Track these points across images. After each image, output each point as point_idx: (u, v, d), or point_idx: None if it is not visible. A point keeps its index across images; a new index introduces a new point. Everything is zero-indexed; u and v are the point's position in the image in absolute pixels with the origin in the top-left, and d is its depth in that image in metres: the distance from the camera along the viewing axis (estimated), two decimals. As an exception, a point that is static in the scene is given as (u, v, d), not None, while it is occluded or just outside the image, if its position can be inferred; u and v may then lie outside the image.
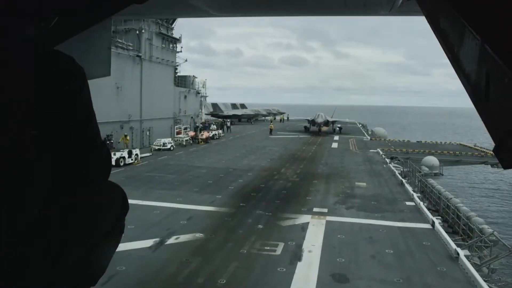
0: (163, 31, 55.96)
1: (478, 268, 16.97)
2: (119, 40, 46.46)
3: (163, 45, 56.19)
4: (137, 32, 50.47)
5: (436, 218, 21.13)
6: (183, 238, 17.27)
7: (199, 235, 17.71)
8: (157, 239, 16.89)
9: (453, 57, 1.76)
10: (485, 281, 14.51)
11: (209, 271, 14.02)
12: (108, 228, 1.86)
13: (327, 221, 20.35)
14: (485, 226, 22.68)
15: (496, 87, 1.33)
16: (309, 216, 21.09)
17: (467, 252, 16.75)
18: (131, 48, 48.32)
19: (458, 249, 16.17)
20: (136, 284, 12.94)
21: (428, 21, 2.19)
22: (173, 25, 59.46)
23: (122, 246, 15.24)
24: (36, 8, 1.77)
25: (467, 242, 20.90)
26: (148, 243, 16.49)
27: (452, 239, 18.47)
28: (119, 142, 41.14)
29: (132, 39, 49.64)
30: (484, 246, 20.34)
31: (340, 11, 3.41)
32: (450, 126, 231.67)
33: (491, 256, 19.42)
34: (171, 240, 16.94)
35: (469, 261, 15.76)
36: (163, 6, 3.13)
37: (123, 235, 2.07)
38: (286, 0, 3.37)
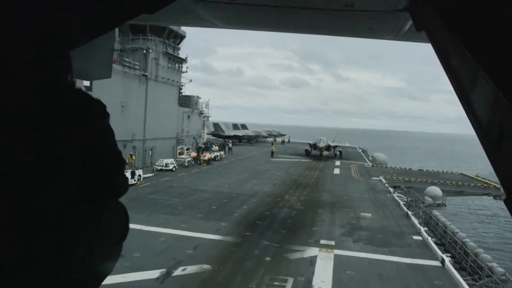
0: (170, 51, 56.14)
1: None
2: (126, 59, 46.53)
3: (169, 65, 56.29)
4: (144, 51, 50.60)
5: (446, 256, 20.81)
6: (190, 269, 16.94)
7: (206, 266, 17.38)
8: (164, 270, 16.55)
9: (464, 98, 1.66)
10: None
11: (218, 307, 13.69)
12: (112, 245, 1.63)
13: (335, 255, 20.04)
14: (494, 264, 22.26)
15: (510, 138, 1.26)
16: (317, 249, 20.78)
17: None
18: (138, 67, 48.37)
19: (472, 292, 15.86)
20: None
21: (437, 54, 2.06)
22: (179, 45, 59.72)
23: (129, 277, 14.94)
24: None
25: (477, 281, 20.52)
26: (154, 274, 16.14)
27: (463, 279, 18.17)
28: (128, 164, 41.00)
29: (139, 58, 49.72)
30: (494, 285, 19.97)
31: (346, 32, 3.50)
32: (449, 152, 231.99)
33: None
34: (178, 272, 16.59)
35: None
36: (171, 15, 3.16)
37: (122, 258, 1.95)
38: (293, 18, 3.25)
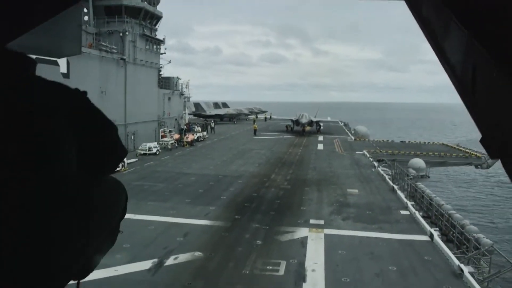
0: (147, 32, 55.01)
1: (481, 284, 16.89)
2: (103, 43, 45.49)
3: (147, 47, 55.26)
4: (121, 34, 49.49)
5: (434, 230, 21.08)
6: (182, 258, 16.82)
7: (198, 254, 17.28)
8: (156, 260, 16.40)
9: (437, 47, 1.69)
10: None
11: (213, 296, 13.65)
12: (114, 223, 1.67)
13: (326, 235, 20.13)
14: (481, 235, 22.64)
15: (483, 80, 1.32)
16: (307, 229, 20.84)
17: (471, 269, 16.61)
18: (115, 51, 47.35)
19: (462, 266, 16.11)
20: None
21: (409, 6, 2.06)
22: (156, 26, 58.55)
23: (121, 269, 14.78)
24: None
25: (465, 253, 20.88)
26: (146, 264, 15.99)
27: (452, 252, 18.43)
28: None
29: (116, 41, 48.63)
30: (481, 257, 20.35)
31: None
32: (428, 121, 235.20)
33: (490, 267, 19.44)
34: (170, 261, 16.47)
35: (475, 278, 15.69)
36: None
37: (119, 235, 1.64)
38: None
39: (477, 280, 16.15)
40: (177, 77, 66.75)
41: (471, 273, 15.90)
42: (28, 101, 1.26)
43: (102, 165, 1.66)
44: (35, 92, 1.33)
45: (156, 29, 58.54)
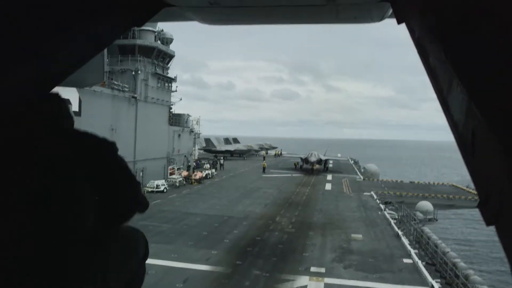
0: (159, 71, 56.34)
1: None
2: (115, 82, 46.63)
3: (159, 85, 56.48)
4: (133, 73, 50.74)
5: (436, 282, 20.90)
6: (180, 306, 16.89)
7: (196, 302, 17.34)
8: (154, 308, 16.48)
9: (442, 100, 1.70)
10: None
11: None
12: (134, 270, 2.01)
13: (326, 284, 20.08)
14: (485, 287, 22.45)
15: (482, 146, 1.31)
16: (307, 277, 20.83)
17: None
18: (127, 89, 48.45)
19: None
20: None
21: (417, 49, 2.08)
22: (168, 65, 59.94)
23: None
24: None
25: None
26: (144, 312, 16.03)
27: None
28: None
29: (128, 80, 49.83)
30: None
31: (331, 21, 3.53)
32: (439, 159, 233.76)
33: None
34: (168, 310, 16.55)
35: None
36: (159, 18, 3.24)
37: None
38: (277, 14, 3.34)
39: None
40: (188, 114, 67.80)
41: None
42: (56, 154, 1.58)
43: (121, 216, 1.88)
44: (65, 145, 1.66)
45: (168, 67, 59.93)
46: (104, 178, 1.76)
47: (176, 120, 63.35)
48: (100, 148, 1.86)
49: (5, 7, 1.90)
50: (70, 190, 1.58)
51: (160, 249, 24.26)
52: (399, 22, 2.65)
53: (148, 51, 53.62)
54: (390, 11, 3.00)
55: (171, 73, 60.90)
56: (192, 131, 69.82)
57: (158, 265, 21.59)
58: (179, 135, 62.77)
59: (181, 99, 64.07)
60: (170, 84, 60.81)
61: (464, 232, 61.24)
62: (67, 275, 1.50)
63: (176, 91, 62.01)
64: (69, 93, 23.12)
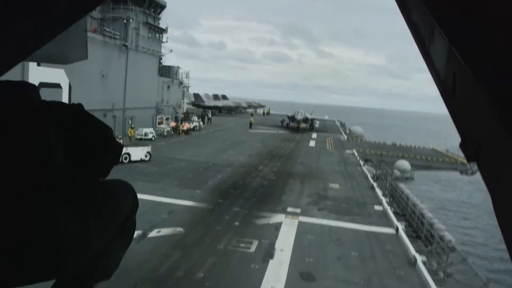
0: (150, 21, 56.40)
1: (435, 272, 18.49)
2: (107, 29, 46.92)
3: (150, 35, 56.72)
4: (125, 21, 50.91)
5: (401, 224, 22.64)
6: (164, 231, 18.42)
7: (179, 229, 18.88)
8: (140, 232, 17.91)
9: (424, 52, 1.79)
10: (439, 286, 16.07)
11: (188, 265, 15.22)
12: (122, 224, 2.03)
13: (300, 222, 21.67)
14: (446, 233, 24.34)
15: (462, 87, 1.40)
16: (283, 215, 22.41)
17: (424, 258, 18.24)
18: (118, 37, 48.78)
19: (417, 255, 17.70)
20: (120, 273, 13.98)
21: (400, 10, 2.15)
22: (160, 15, 59.90)
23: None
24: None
25: (428, 247, 22.49)
26: (131, 235, 17.54)
27: (414, 245, 20.03)
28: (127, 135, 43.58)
29: (119, 28, 50.06)
30: (443, 252, 21.93)
31: None
32: (425, 130, 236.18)
33: (447, 262, 21.02)
34: (153, 234, 18.05)
35: (426, 266, 17.26)
36: None
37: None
38: None
39: (429, 270, 17.69)
40: (178, 67, 68.33)
41: (424, 262, 17.50)
42: (23, 116, 1.61)
43: (100, 164, 1.96)
44: (33, 109, 1.68)
45: (160, 18, 59.88)
46: (75, 132, 1.81)
47: (166, 71, 63.91)
48: (68, 107, 1.93)
49: None
50: (42, 145, 1.61)
51: (147, 186, 25.70)
52: None
53: (140, 0, 53.57)
54: None
55: (162, 25, 60.98)
56: (181, 84, 70.47)
57: (145, 199, 22.95)
58: (168, 87, 63.46)
59: (171, 51, 64.55)
60: (161, 35, 60.98)
61: (438, 193, 63.29)
62: (41, 230, 1.52)
63: (167, 42, 62.34)
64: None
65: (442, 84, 1.61)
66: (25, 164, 1.53)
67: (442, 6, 1.54)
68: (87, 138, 1.87)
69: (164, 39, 61.79)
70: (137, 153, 34.87)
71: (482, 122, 1.29)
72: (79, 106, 1.96)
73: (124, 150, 33.77)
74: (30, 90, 1.77)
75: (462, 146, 1.42)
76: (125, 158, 33.53)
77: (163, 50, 62.02)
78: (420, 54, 1.87)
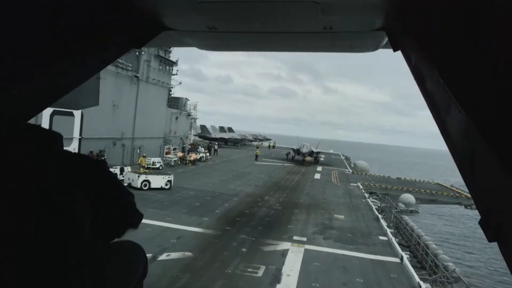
0: (161, 53, 58.07)
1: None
2: (120, 60, 48.33)
3: (160, 67, 58.32)
4: (137, 53, 52.45)
5: (405, 253, 22.96)
6: (174, 255, 18.89)
7: (188, 253, 19.34)
8: (150, 255, 18.39)
9: (439, 121, 1.75)
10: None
11: (198, 286, 15.64)
12: (132, 285, 1.94)
13: (306, 250, 22.07)
14: (450, 264, 24.57)
15: (481, 165, 1.34)
16: (289, 243, 22.83)
17: (429, 286, 18.55)
18: (130, 68, 50.23)
19: (421, 282, 18.05)
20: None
21: (413, 75, 2.14)
22: (171, 49, 61.62)
23: (118, 259, 16.72)
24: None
25: (432, 277, 22.74)
26: (141, 257, 18.02)
27: (418, 274, 20.33)
28: (138, 164, 44.51)
29: (131, 59, 51.55)
30: (447, 282, 22.18)
31: (327, 49, 3.67)
32: (430, 166, 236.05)
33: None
34: (163, 257, 18.54)
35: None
36: (158, 43, 3.34)
37: None
38: (274, 41, 3.35)
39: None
40: (186, 98, 69.78)
41: (428, 289, 17.83)
42: (51, 176, 1.54)
43: (118, 229, 1.88)
44: (58, 167, 1.61)
45: (170, 51, 61.59)
46: (98, 194, 1.74)
47: (175, 103, 65.31)
48: (92, 165, 1.86)
49: (7, 25, 1.92)
50: (70, 211, 1.56)
51: (156, 213, 26.23)
52: (395, 50, 2.71)
53: (152, 34, 55.25)
54: (385, 40, 3.03)
55: (172, 57, 62.63)
56: (189, 115, 71.75)
57: (155, 224, 23.58)
58: (177, 118, 64.73)
59: (180, 83, 66.18)
60: (171, 68, 62.64)
61: (442, 226, 63.18)
62: None
63: (176, 74, 63.97)
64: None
65: (459, 158, 1.56)
66: (49, 235, 1.46)
67: (459, 78, 1.52)
68: (109, 204, 1.80)
69: (173, 71, 63.42)
70: (158, 181, 35.80)
71: (504, 201, 1.23)
72: (104, 164, 1.91)
73: (144, 177, 34.69)
74: (56, 140, 1.74)
75: (483, 224, 1.36)
76: (145, 185, 34.64)
77: (172, 82, 63.56)
78: (435, 122, 1.82)
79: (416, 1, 2.14)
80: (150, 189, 34.48)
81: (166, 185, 36.07)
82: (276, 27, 2.97)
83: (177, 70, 64.34)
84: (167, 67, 61.38)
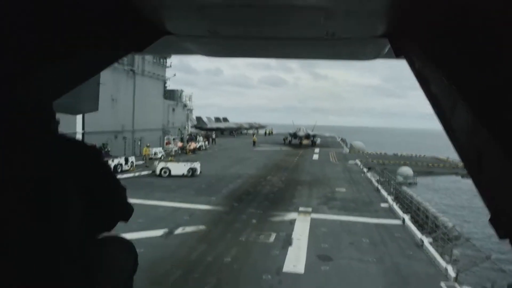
0: (154, 46, 58.68)
1: (441, 253, 19.88)
2: (115, 55, 49.08)
3: (154, 60, 59.05)
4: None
5: (406, 215, 24.10)
6: (189, 229, 19.95)
7: (202, 227, 20.41)
8: (166, 229, 19.50)
9: (445, 124, 1.74)
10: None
11: (215, 253, 16.71)
12: (122, 281, 1.94)
13: (312, 218, 23.17)
14: (450, 224, 25.78)
15: (488, 163, 1.35)
16: (296, 213, 23.93)
17: (430, 240, 19.70)
18: (126, 62, 50.98)
19: (423, 237, 19.21)
20: (156, 260, 15.49)
21: (417, 79, 2.13)
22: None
23: (137, 234, 17.78)
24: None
25: (433, 234, 23.89)
26: (159, 232, 19.10)
27: (420, 232, 21.50)
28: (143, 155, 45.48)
29: (126, 54, 52.23)
30: (447, 239, 23.33)
31: (330, 57, 3.72)
32: (424, 145, 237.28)
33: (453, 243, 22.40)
34: (179, 231, 19.60)
35: (433, 247, 18.73)
36: (158, 49, 3.40)
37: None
38: (275, 47, 3.34)
39: (435, 248, 19.12)
40: (181, 90, 70.58)
41: (430, 243, 18.97)
42: (45, 160, 1.56)
43: (109, 223, 1.93)
44: (53, 152, 1.63)
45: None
46: (91, 186, 1.72)
47: (170, 95, 66.19)
48: (86, 154, 1.82)
49: (8, 26, 1.92)
50: (62, 199, 1.54)
51: (165, 196, 27.29)
52: (398, 56, 2.71)
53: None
54: (386, 47, 3.01)
55: (164, 50, 63.11)
56: (185, 106, 72.61)
57: (166, 206, 24.65)
58: (173, 109, 65.67)
59: (175, 75, 67.07)
60: (165, 60, 63.35)
61: (439, 199, 64.36)
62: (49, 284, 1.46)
63: (170, 66, 64.65)
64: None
65: (466, 157, 1.59)
66: (40, 228, 1.46)
67: (463, 79, 1.52)
68: (101, 195, 1.79)
69: (167, 64, 64.11)
70: (179, 168, 36.89)
71: None
72: (98, 152, 1.90)
73: (163, 165, 35.89)
74: (52, 117, 1.74)
75: (493, 222, 1.36)
76: (165, 172, 36.09)
77: (167, 75, 64.34)
78: (440, 123, 1.83)
79: (418, 7, 2.15)
80: (170, 176, 35.80)
81: (189, 172, 36.85)
82: (278, 33, 2.95)
83: (171, 63, 65.09)
84: (161, 60, 62.10)
